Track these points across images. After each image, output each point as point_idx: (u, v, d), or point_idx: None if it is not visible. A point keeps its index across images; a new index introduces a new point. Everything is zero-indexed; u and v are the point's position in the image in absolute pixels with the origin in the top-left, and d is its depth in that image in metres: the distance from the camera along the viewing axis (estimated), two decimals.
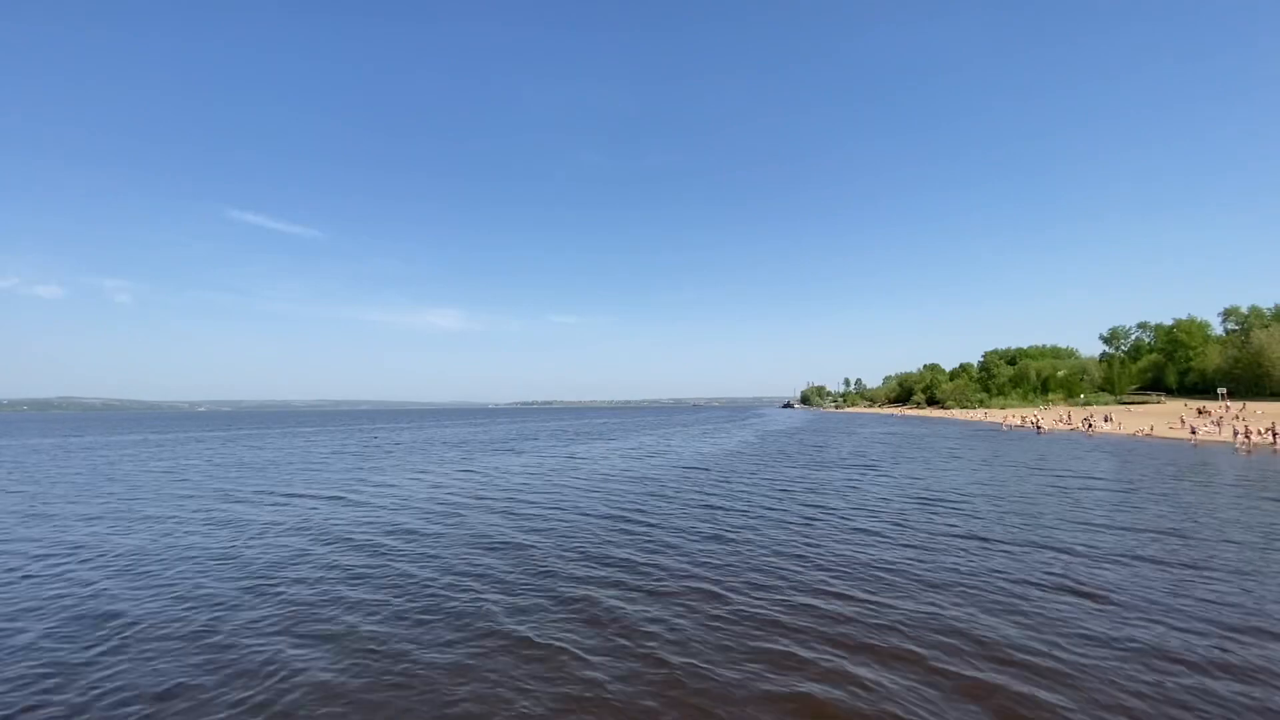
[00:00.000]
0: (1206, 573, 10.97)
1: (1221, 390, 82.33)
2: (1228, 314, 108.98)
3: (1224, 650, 7.62)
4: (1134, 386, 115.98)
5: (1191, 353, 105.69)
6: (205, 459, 39.06)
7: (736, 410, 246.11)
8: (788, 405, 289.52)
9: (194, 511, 19.04)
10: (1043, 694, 6.60)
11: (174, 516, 18.25)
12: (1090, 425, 58.92)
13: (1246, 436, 38.97)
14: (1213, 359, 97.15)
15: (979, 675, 7.06)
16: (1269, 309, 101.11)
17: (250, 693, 6.93)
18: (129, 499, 21.74)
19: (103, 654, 8.05)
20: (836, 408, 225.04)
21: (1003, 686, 6.79)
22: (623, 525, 16.26)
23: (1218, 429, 45.93)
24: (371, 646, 8.16)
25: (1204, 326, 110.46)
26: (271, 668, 7.58)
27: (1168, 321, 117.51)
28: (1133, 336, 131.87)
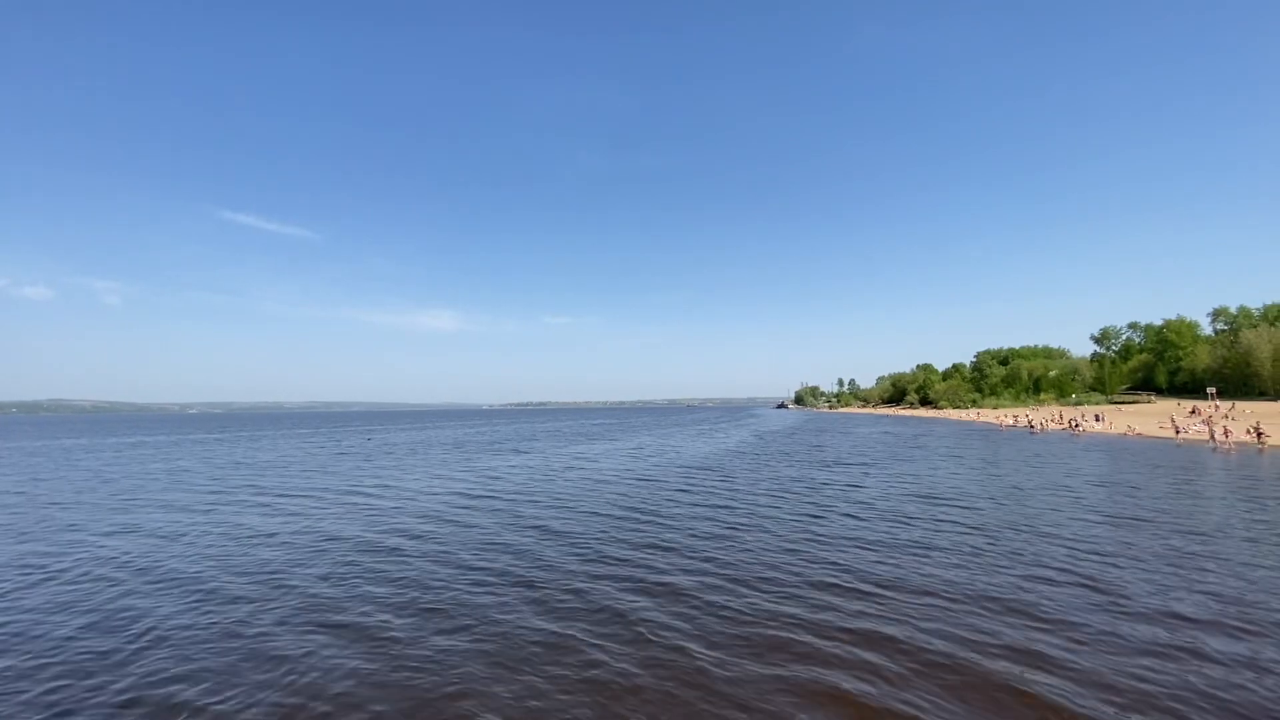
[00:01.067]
0: (1195, 558, 11.55)
1: (1211, 390, 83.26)
2: (1217, 314, 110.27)
3: (1215, 623, 8.18)
4: (1125, 386, 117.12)
5: (1181, 353, 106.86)
6: (211, 460, 39.23)
7: (731, 411, 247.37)
8: (782, 406, 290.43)
9: (219, 510, 19.39)
10: (1057, 670, 7.10)
11: (204, 514, 18.62)
12: (1076, 425, 60.00)
13: (1225, 436, 39.99)
14: (1202, 359, 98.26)
15: (994, 654, 7.54)
16: (1257, 309, 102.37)
17: (295, 680, 7.37)
18: (151, 499, 22.03)
19: (147, 646, 8.50)
20: (830, 408, 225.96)
21: (1017, 663, 7.28)
22: (636, 522, 16.70)
23: (1206, 428, 46.75)
24: (415, 633, 8.65)
25: (1193, 327, 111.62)
26: (312, 658, 8.01)
27: (1158, 322, 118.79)
28: (1123, 337, 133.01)
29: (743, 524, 16.17)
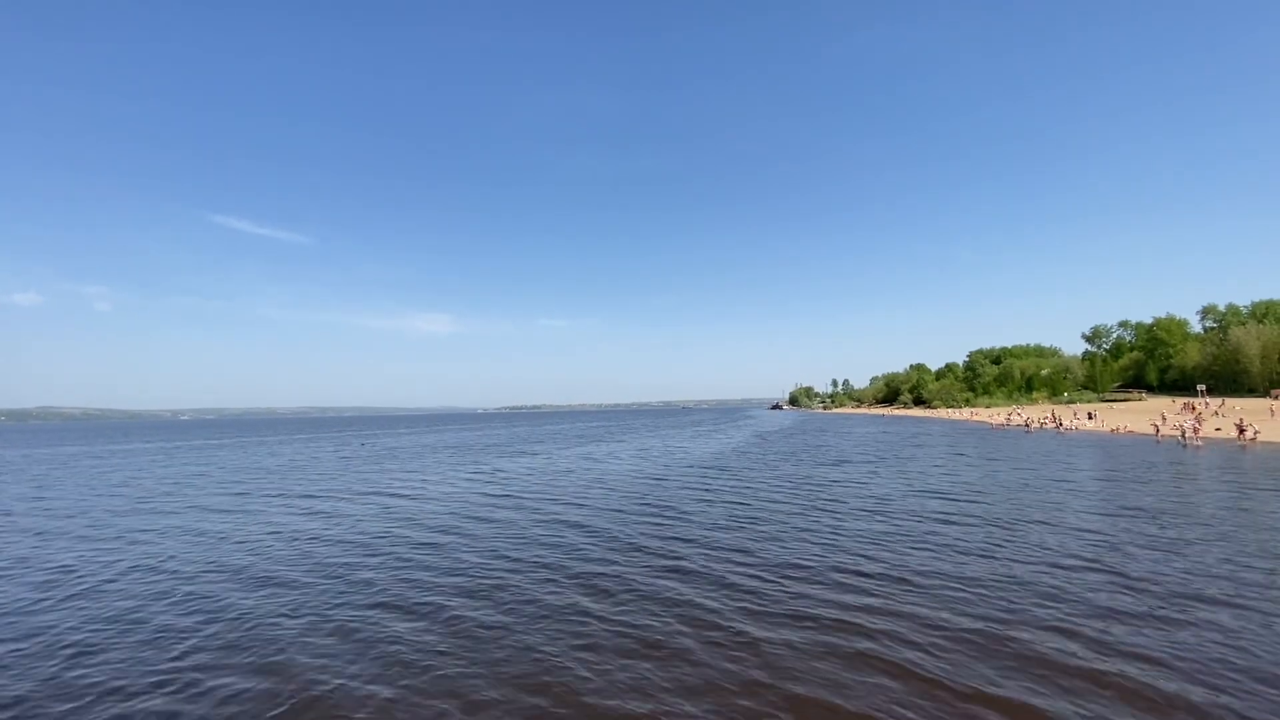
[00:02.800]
0: (1176, 542, 12.29)
1: (1201, 387, 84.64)
2: (1206, 312, 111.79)
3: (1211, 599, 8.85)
4: (1116, 384, 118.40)
5: (1171, 350, 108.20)
6: (222, 466, 39.47)
7: (726, 412, 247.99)
8: (776, 407, 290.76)
9: (252, 513, 19.77)
10: (1072, 648, 7.71)
11: (239, 516, 19.01)
12: (1060, 424, 61.55)
13: (1195, 433, 41.11)
14: (1192, 356, 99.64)
15: (1015, 635, 8.17)
16: (1246, 307, 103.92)
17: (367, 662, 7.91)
18: (177, 503, 22.38)
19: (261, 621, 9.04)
20: (825, 409, 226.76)
21: (1033, 641, 7.89)
22: (658, 517, 17.26)
23: (1199, 425, 47.85)
24: (484, 617, 9.20)
25: (1183, 325, 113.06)
26: (395, 642, 8.57)
27: (1148, 320, 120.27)
28: (1114, 335, 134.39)
29: (763, 519, 16.75)
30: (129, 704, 7.01)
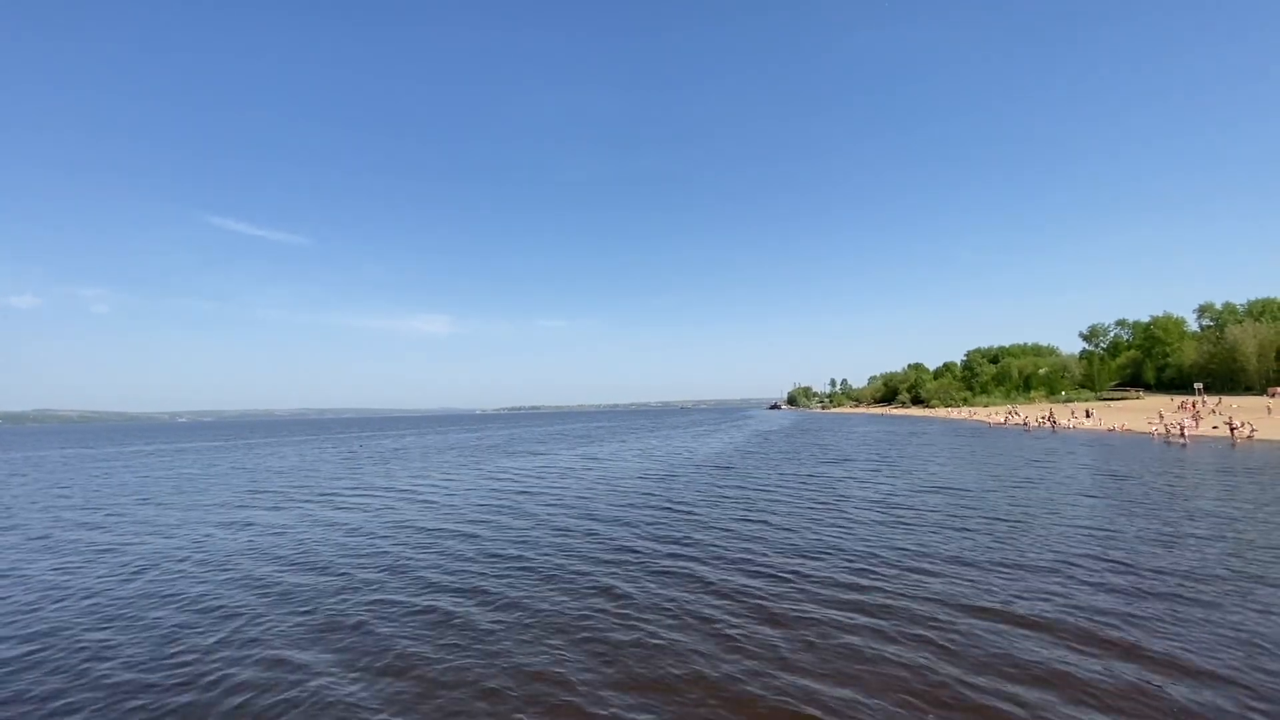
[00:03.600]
0: (1177, 540, 12.74)
1: (1198, 385, 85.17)
2: (1202, 310, 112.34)
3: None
4: (1114, 383, 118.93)
5: (1168, 349, 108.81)
6: (235, 467, 39.78)
7: (726, 412, 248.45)
8: (775, 406, 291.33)
9: (287, 510, 20.10)
10: (1079, 626, 8.15)
11: (269, 515, 19.34)
12: (1055, 423, 62.11)
13: (1182, 432, 41.65)
14: (1189, 355, 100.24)
15: (1021, 615, 8.61)
16: (1242, 305, 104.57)
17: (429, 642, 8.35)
18: (204, 502, 22.75)
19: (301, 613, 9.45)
20: (823, 408, 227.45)
21: (1038, 623, 8.32)
22: (673, 514, 17.72)
23: (1195, 425, 48.34)
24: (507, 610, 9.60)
25: (1180, 323, 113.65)
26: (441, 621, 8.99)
27: (1145, 319, 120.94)
28: (1111, 334, 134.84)
29: (770, 514, 17.15)
30: (224, 675, 7.61)
